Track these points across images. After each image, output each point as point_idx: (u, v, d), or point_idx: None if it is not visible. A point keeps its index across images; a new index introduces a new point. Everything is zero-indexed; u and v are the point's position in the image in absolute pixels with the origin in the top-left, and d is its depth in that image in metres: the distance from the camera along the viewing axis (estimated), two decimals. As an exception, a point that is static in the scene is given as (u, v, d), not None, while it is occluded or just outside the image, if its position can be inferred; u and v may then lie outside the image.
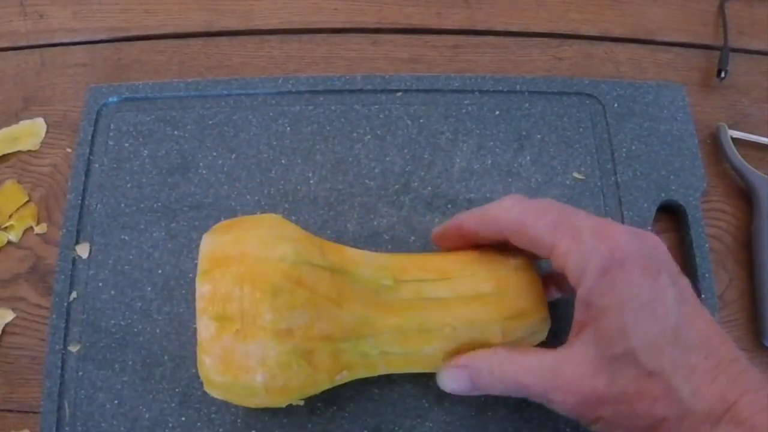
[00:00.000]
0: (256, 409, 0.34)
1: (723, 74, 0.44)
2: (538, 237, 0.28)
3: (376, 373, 0.32)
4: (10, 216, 0.40)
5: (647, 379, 0.25)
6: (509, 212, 0.29)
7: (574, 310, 0.28)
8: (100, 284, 0.37)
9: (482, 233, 0.31)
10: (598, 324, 0.26)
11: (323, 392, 0.34)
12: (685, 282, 0.27)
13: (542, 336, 0.32)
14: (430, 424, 0.34)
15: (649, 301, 0.26)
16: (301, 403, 0.31)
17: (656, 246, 0.28)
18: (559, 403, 0.27)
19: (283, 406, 0.30)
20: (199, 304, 0.28)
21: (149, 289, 0.37)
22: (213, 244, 0.30)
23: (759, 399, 0.24)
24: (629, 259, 0.26)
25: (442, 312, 0.30)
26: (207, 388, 0.29)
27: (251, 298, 0.27)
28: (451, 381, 0.30)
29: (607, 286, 0.26)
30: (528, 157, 0.41)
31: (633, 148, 0.41)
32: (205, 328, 0.27)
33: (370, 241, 0.38)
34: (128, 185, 0.39)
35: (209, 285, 0.28)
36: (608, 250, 0.26)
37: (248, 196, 0.39)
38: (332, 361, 0.29)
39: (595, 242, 0.27)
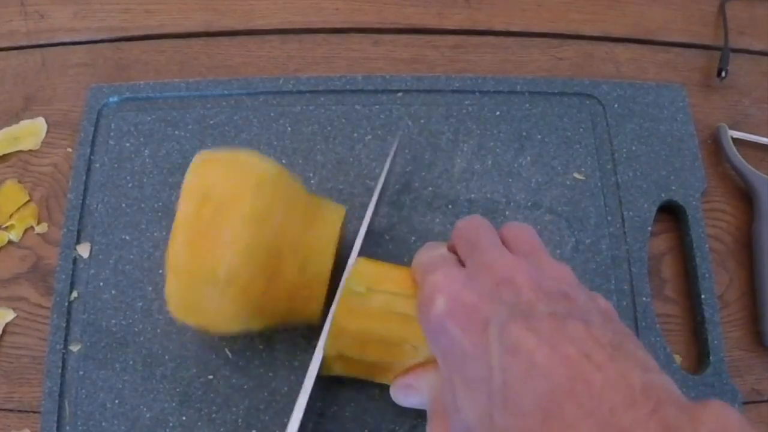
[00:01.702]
0: (257, 409, 0.34)
1: (723, 74, 0.44)
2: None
3: (331, 373, 0.32)
4: (11, 216, 0.40)
5: None
6: (419, 259, 0.29)
7: None
8: (101, 284, 0.37)
9: None
10: (444, 397, 0.25)
11: (323, 392, 0.34)
12: (540, 310, 0.22)
13: None
14: (431, 424, 0.34)
15: (472, 364, 0.22)
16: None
17: (505, 271, 0.24)
18: None
19: (238, 329, 0.30)
20: (183, 193, 0.28)
21: (150, 288, 0.37)
22: (203, 154, 0.31)
23: None
24: (442, 322, 0.24)
25: (407, 328, 0.29)
26: (168, 289, 0.29)
27: (235, 184, 0.28)
28: (400, 396, 0.30)
29: (442, 359, 0.24)
30: (528, 158, 0.41)
31: (633, 148, 0.41)
32: (183, 207, 0.28)
33: (371, 241, 0.38)
34: (129, 185, 0.39)
35: (196, 177, 0.29)
36: (426, 315, 0.25)
37: (249, 196, 0.39)
38: (298, 275, 0.30)
39: (421, 304, 0.25)
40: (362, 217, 0.38)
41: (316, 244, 0.31)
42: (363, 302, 0.29)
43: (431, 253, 0.28)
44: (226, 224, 0.28)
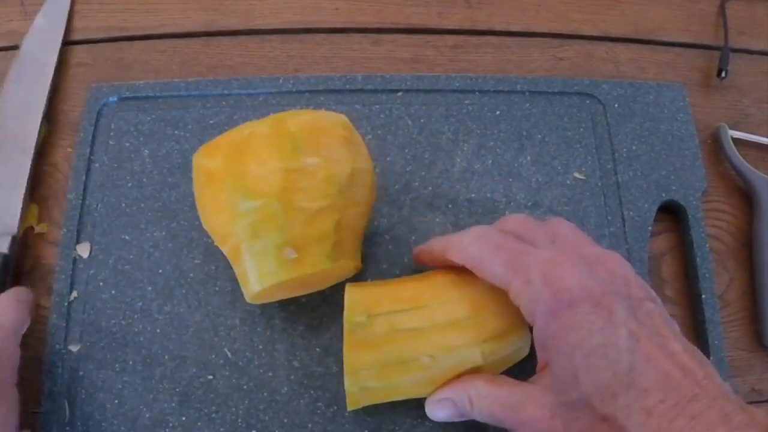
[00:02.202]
0: (257, 409, 0.34)
1: (723, 74, 0.44)
2: (495, 275, 0.28)
3: (359, 407, 0.32)
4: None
5: (602, 424, 0.25)
6: (468, 248, 0.30)
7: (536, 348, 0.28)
8: (101, 284, 0.37)
9: (450, 261, 0.31)
10: (552, 367, 0.26)
11: (324, 392, 0.34)
12: (647, 308, 0.27)
13: (524, 352, 0.32)
14: (430, 424, 0.34)
15: (600, 345, 0.25)
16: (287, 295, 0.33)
17: (613, 272, 0.27)
18: None
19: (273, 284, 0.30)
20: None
21: (150, 288, 0.37)
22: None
23: None
24: (576, 300, 0.26)
25: (418, 342, 0.30)
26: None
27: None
28: (437, 411, 0.31)
29: (555, 330, 0.26)
30: (529, 157, 0.41)
31: (633, 148, 0.41)
32: None
33: (371, 240, 0.38)
34: (129, 185, 0.39)
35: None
36: (553, 294, 0.26)
37: (249, 196, 0.39)
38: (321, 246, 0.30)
39: (542, 284, 0.26)
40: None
41: None
42: (368, 331, 0.30)
43: (494, 236, 0.30)
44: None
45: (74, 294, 0.37)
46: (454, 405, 0.30)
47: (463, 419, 0.30)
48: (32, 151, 0.40)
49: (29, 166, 0.40)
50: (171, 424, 0.34)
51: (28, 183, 0.39)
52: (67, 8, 0.46)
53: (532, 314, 0.27)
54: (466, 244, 0.30)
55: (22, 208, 0.39)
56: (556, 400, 0.26)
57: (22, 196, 0.39)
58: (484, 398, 0.29)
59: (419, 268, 0.37)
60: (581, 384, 0.25)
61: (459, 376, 0.30)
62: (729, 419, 0.22)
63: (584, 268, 0.27)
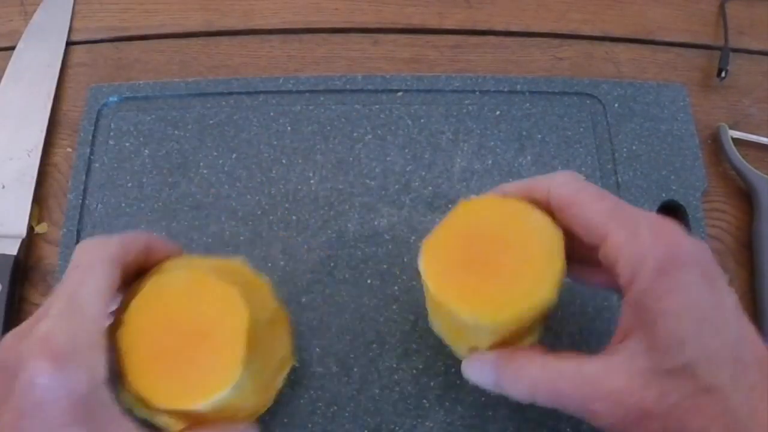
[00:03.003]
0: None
1: (723, 74, 0.44)
2: (591, 220, 0.26)
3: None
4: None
5: (704, 396, 0.23)
6: (562, 187, 0.27)
7: (622, 313, 0.26)
8: (101, 284, 0.37)
9: (533, 203, 0.29)
10: (652, 331, 0.24)
11: (324, 392, 0.34)
12: (735, 295, 0.25)
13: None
14: (430, 424, 0.34)
15: (710, 310, 0.23)
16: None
17: (710, 253, 0.25)
18: (600, 415, 0.24)
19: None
20: None
21: (150, 288, 0.37)
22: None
23: None
24: (690, 262, 0.24)
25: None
26: None
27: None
28: (473, 371, 0.28)
29: (665, 289, 0.23)
30: (529, 157, 0.41)
31: (633, 148, 0.41)
32: None
33: (371, 240, 0.38)
34: (129, 185, 0.39)
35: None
36: (668, 250, 0.24)
37: (249, 196, 0.39)
38: None
39: (654, 239, 0.24)
40: (362, 217, 0.39)
41: None
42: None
43: (591, 184, 0.28)
44: None
45: (74, 294, 0.37)
46: (494, 371, 0.27)
47: (497, 391, 0.28)
48: (39, 153, 0.40)
49: (36, 168, 0.40)
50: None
51: (34, 188, 0.40)
52: (70, 7, 0.46)
53: (635, 270, 0.24)
54: (560, 183, 0.27)
55: (30, 211, 0.39)
56: (652, 368, 0.23)
57: (30, 199, 0.39)
58: (542, 369, 0.26)
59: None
60: (689, 349, 0.23)
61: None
62: None
63: (691, 238, 0.25)
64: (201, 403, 0.27)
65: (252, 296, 0.30)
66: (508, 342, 0.29)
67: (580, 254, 0.28)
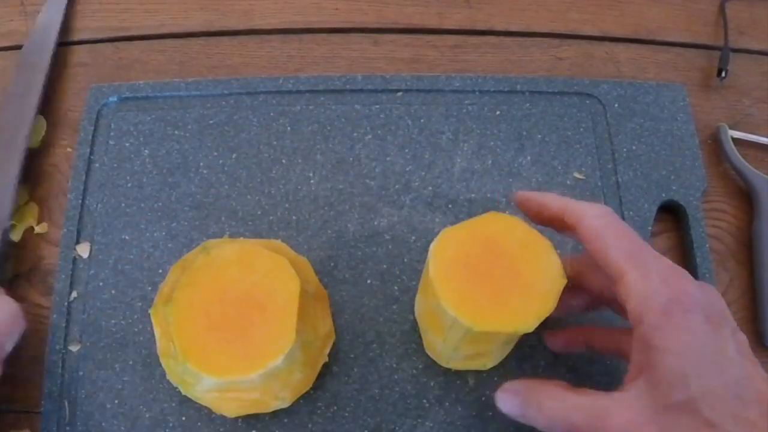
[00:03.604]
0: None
1: (723, 74, 0.44)
2: (612, 259, 0.28)
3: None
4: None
5: (706, 431, 0.24)
6: (594, 220, 0.29)
7: (632, 352, 0.27)
8: (101, 284, 0.37)
9: (561, 222, 0.30)
10: (657, 367, 0.25)
11: (324, 392, 0.34)
12: (743, 337, 0.27)
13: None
14: (430, 424, 0.34)
15: (712, 351, 0.25)
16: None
17: (718, 300, 0.27)
18: None
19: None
20: None
21: (149, 288, 0.37)
22: None
23: None
24: (694, 306, 0.25)
25: None
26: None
27: None
28: (503, 403, 0.30)
29: (670, 328, 0.25)
30: (529, 157, 0.41)
31: (633, 148, 0.41)
32: None
33: (371, 240, 0.38)
34: (129, 185, 0.39)
35: None
36: (674, 294, 0.26)
37: (249, 196, 0.39)
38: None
39: (662, 282, 0.26)
40: (362, 217, 0.39)
41: None
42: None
43: (621, 222, 0.29)
44: None
45: (74, 294, 0.37)
46: (521, 405, 0.29)
47: (522, 421, 0.29)
48: (24, 144, 0.40)
49: (21, 159, 0.39)
50: (171, 424, 0.34)
51: (19, 176, 0.39)
52: (64, 6, 0.46)
53: (643, 308, 0.26)
54: (593, 215, 0.29)
55: (13, 202, 0.38)
56: (655, 403, 0.25)
57: (13, 189, 0.38)
58: (560, 403, 0.27)
59: (419, 267, 0.37)
60: (691, 386, 0.24)
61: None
62: None
63: (698, 286, 0.27)
64: (256, 372, 0.28)
65: (297, 270, 0.31)
66: (478, 344, 0.31)
67: (600, 283, 0.31)
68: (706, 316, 0.25)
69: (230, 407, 0.32)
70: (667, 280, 0.26)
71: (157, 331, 0.31)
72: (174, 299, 0.29)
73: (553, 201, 0.31)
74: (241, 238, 0.34)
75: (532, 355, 0.36)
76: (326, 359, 0.34)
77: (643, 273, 0.27)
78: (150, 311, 0.32)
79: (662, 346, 0.25)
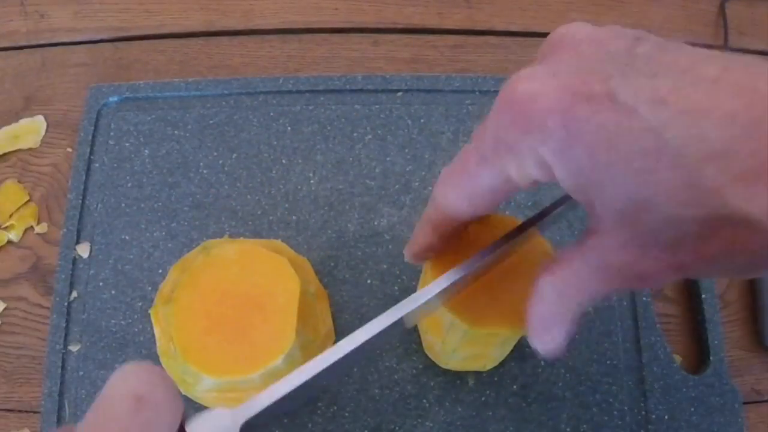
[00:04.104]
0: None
1: (723, 74, 0.44)
2: (486, 188, 0.22)
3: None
4: (11, 215, 0.40)
5: (718, 223, 0.17)
6: (446, 198, 0.23)
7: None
8: (101, 284, 0.37)
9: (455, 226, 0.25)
10: (602, 213, 0.19)
11: (324, 392, 0.34)
12: (643, 50, 0.18)
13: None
14: (430, 424, 0.34)
15: (629, 142, 0.17)
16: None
17: (570, 49, 0.20)
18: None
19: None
20: None
21: (149, 288, 0.37)
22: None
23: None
24: (562, 120, 0.18)
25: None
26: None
27: None
28: (552, 339, 0.23)
29: (577, 171, 0.19)
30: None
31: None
32: None
33: (371, 240, 0.38)
34: (129, 185, 0.39)
35: None
36: (544, 139, 0.19)
37: (249, 196, 0.39)
38: None
39: (524, 135, 0.19)
40: (362, 217, 0.39)
41: None
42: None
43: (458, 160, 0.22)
44: None
45: (74, 294, 0.37)
46: (567, 317, 0.22)
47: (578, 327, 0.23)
48: None
49: None
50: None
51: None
52: None
53: (544, 173, 0.20)
54: (441, 193, 0.23)
55: None
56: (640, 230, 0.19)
57: None
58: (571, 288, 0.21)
59: (419, 267, 0.37)
60: (650, 202, 0.18)
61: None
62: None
63: (546, 76, 0.19)
64: (256, 372, 0.28)
65: (297, 270, 0.31)
66: (477, 345, 0.30)
67: None
68: (593, 108, 0.18)
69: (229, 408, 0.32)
70: (525, 126, 0.19)
71: (157, 331, 0.31)
72: (174, 299, 0.30)
73: (421, 231, 0.26)
74: (241, 239, 0.34)
75: (532, 355, 0.36)
76: None
77: (517, 160, 0.20)
78: (150, 311, 0.32)
79: (590, 174, 0.19)
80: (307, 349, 0.31)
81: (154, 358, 0.35)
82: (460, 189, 0.23)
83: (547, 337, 0.23)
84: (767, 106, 0.16)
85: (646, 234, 0.19)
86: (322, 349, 0.33)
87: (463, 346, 0.30)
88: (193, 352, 0.28)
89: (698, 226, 0.18)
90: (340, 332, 0.36)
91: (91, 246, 0.38)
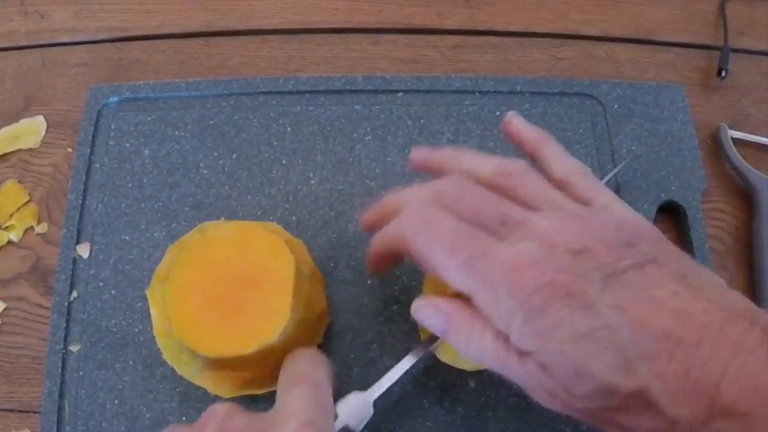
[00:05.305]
0: (257, 409, 0.34)
1: (723, 74, 0.44)
2: (454, 280, 0.26)
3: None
4: (11, 215, 0.40)
5: (631, 401, 0.23)
6: (417, 238, 0.27)
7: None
8: (101, 284, 0.37)
9: (400, 255, 0.30)
10: (552, 370, 0.24)
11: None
12: (625, 264, 0.24)
13: None
14: (430, 424, 0.34)
15: (589, 331, 0.23)
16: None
17: (575, 240, 0.25)
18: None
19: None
20: None
21: (150, 288, 0.37)
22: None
23: (737, 378, 0.21)
24: (547, 300, 0.24)
25: None
26: None
27: None
28: (426, 317, 0.28)
29: (538, 335, 0.24)
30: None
31: (633, 148, 0.41)
32: None
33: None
34: (129, 185, 0.39)
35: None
36: (522, 303, 0.24)
37: (249, 197, 0.39)
38: None
39: (509, 299, 0.24)
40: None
41: None
42: None
43: (444, 225, 0.26)
44: None
45: (74, 294, 0.37)
46: (447, 322, 0.27)
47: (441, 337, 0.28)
48: None
49: None
50: (171, 424, 0.34)
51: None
52: None
53: (507, 327, 0.25)
54: (410, 230, 0.27)
55: None
56: (568, 396, 0.24)
57: None
58: (493, 348, 0.26)
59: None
60: (592, 372, 0.23)
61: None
62: (741, 345, 0.22)
63: (547, 254, 0.25)
64: (251, 349, 0.29)
65: (293, 250, 0.31)
66: None
67: None
68: (565, 296, 0.24)
69: (225, 386, 0.32)
70: (513, 288, 0.24)
71: (154, 312, 0.32)
72: (170, 278, 0.30)
73: (377, 249, 0.31)
74: (236, 221, 0.34)
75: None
76: (321, 340, 0.34)
77: (489, 287, 0.25)
78: (146, 292, 0.32)
79: (542, 352, 0.24)
80: (302, 329, 0.31)
81: (154, 358, 0.35)
82: (431, 244, 0.26)
83: (429, 320, 0.28)
84: (695, 328, 0.22)
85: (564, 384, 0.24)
86: (316, 328, 0.34)
87: None
88: (188, 329, 0.29)
89: (616, 399, 0.23)
90: (340, 332, 0.36)
91: (91, 246, 0.38)
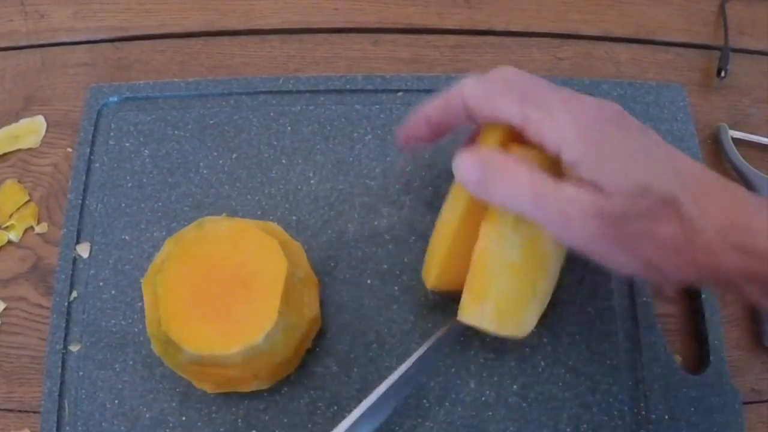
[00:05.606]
0: (256, 409, 0.34)
1: (723, 74, 0.44)
2: (508, 112, 0.28)
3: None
4: (11, 215, 0.40)
5: (663, 206, 0.26)
6: (474, 92, 0.29)
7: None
8: (101, 284, 0.37)
9: (449, 121, 0.31)
10: (599, 183, 0.26)
11: (324, 392, 0.34)
12: (652, 132, 0.29)
13: None
14: (430, 424, 0.34)
15: (640, 147, 0.27)
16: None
17: (618, 108, 0.29)
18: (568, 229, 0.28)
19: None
20: None
21: (150, 288, 0.37)
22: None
23: (761, 222, 0.25)
24: (602, 120, 0.27)
25: None
26: None
27: None
28: (465, 165, 0.29)
29: (593, 143, 0.27)
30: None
31: (633, 148, 0.41)
32: None
33: (371, 240, 0.38)
34: (129, 185, 0.39)
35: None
36: (581, 119, 0.27)
37: (249, 196, 0.39)
38: None
39: (567, 115, 0.27)
40: (362, 217, 0.39)
41: None
42: None
43: (498, 77, 0.29)
44: None
45: (74, 294, 0.37)
46: (481, 170, 0.28)
47: (479, 193, 0.29)
48: None
49: None
50: (171, 424, 0.34)
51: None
52: None
53: (560, 144, 0.27)
54: (468, 93, 0.29)
55: None
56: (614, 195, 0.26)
57: None
58: (532, 182, 0.28)
59: (419, 267, 0.37)
60: (633, 176, 0.26)
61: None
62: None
63: (598, 102, 0.28)
64: (235, 349, 0.28)
65: (288, 253, 0.31)
66: (531, 228, 0.31)
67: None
68: (616, 124, 0.27)
69: (209, 383, 0.32)
70: (572, 108, 0.27)
71: (146, 302, 0.31)
72: (163, 270, 0.30)
73: (430, 109, 0.32)
74: (235, 218, 0.34)
75: (533, 355, 0.36)
76: (309, 345, 0.34)
77: (544, 110, 0.27)
78: (141, 281, 0.32)
79: (594, 160, 0.26)
80: (290, 333, 0.31)
81: (155, 358, 0.35)
82: (479, 99, 0.29)
83: (463, 172, 0.29)
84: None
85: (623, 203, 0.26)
86: (307, 334, 0.33)
87: (517, 231, 0.30)
88: (175, 323, 0.29)
89: (648, 202, 0.26)
90: (340, 332, 0.36)
91: (91, 246, 0.38)
